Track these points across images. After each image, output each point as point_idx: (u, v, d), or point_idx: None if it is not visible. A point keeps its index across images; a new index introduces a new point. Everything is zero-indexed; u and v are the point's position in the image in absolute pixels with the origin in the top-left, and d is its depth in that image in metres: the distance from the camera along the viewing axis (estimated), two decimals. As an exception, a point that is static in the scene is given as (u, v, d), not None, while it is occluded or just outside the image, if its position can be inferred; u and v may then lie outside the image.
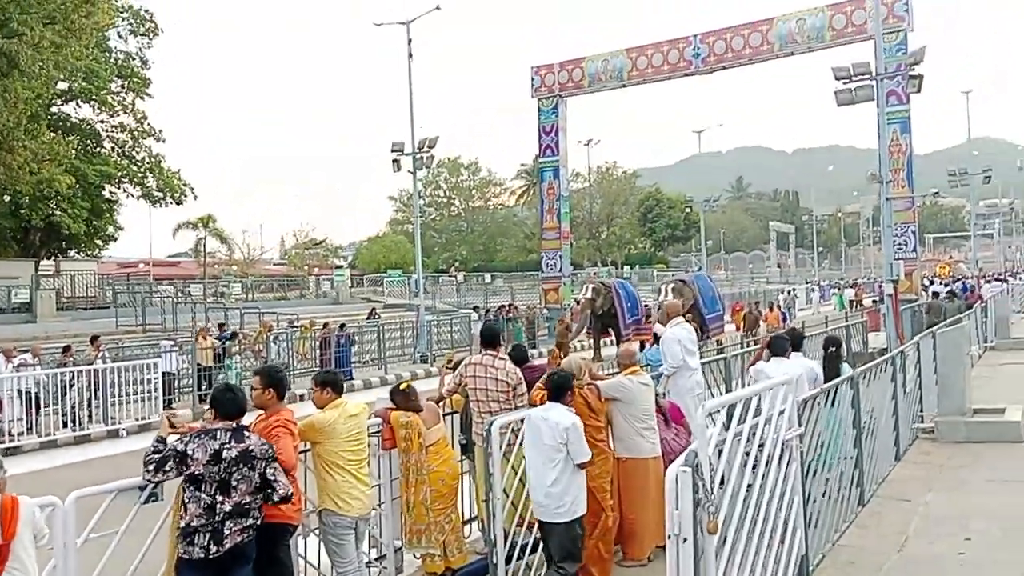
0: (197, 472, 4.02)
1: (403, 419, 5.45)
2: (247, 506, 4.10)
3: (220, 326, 20.29)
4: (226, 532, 4.01)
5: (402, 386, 5.61)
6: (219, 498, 4.02)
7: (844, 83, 18.55)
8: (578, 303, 21.88)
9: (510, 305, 30.44)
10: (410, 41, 24.86)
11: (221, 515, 4.02)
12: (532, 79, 30.80)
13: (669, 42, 28.58)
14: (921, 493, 6.89)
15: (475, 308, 30.28)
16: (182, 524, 4.03)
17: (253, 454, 4.12)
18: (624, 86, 29.85)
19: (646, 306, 21.46)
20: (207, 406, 4.87)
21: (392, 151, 25.26)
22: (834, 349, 7.88)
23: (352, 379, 19.80)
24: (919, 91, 21.06)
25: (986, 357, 16.26)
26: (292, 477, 4.47)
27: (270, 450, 4.21)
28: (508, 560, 5.20)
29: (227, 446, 4.07)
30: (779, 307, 32.53)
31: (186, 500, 4.04)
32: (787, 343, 7.12)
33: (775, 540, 4.42)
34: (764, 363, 6.99)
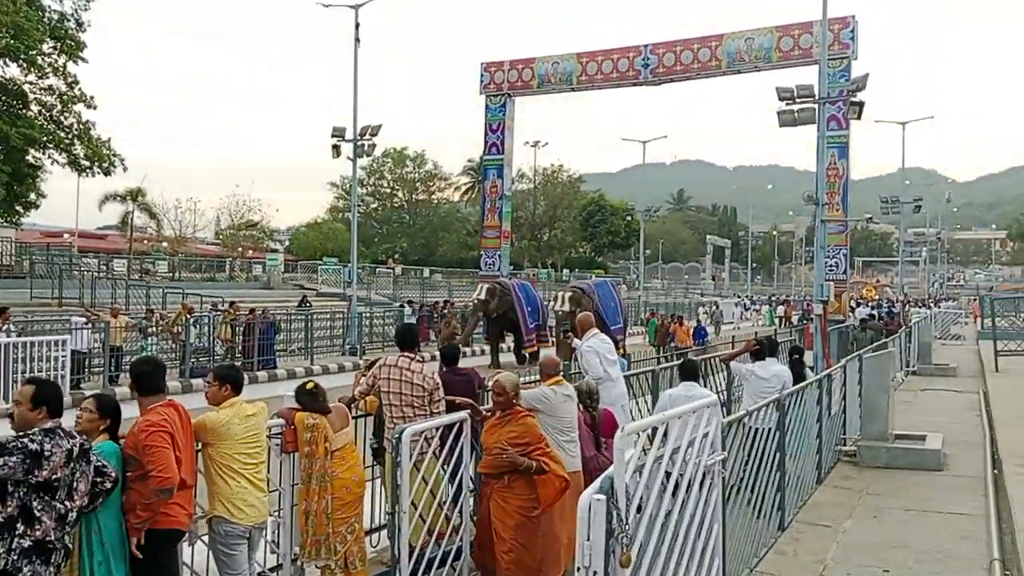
0: (53, 478, 3.47)
1: (309, 421, 5.07)
2: (84, 509, 3.67)
3: (149, 311, 19.38)
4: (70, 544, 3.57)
5: (308, 386, 5.23)
6: (68, 505, 3.54)
7: (787, 104, 18.72)
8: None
9: (446, 302, 30.08)
10: (358, 26, 24.25)
11: (70, 524, 3.57)
12: (481, 75, 30.55)
13: (620, 50, 28.67)
14: (841, 519, 6.82)
15: (409, 302, 29.83)
16: (26, 543, 3.42)
17: (87, 445, 3.70)
18: (573, 90, 29.85)
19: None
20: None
21: (332, 136, 24.62)
22: (798, 356, 9.20)
23: (275, 368, 19.20)
24: (859, 118, 21.38)
25: (908, 382, 16.57)
26: (185, 488, 4.10)
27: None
28: (414, 575, 4.89)
29: (74, 442, 3.59)
30: (699, 320, 32.39)
31: (36, 512, 3.45)
32: (775, 347, 8.54)
33: (691, 569, 4.21)
34: (752, 364, 8.10)
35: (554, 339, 20.23)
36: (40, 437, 3.51)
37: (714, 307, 43.01)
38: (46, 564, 3.47)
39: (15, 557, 3.40)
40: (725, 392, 11.68)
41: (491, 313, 20.13)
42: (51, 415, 3.67)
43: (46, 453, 3.45)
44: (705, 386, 10.86)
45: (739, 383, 11.49)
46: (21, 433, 3.55)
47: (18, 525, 3.42)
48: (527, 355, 21.37)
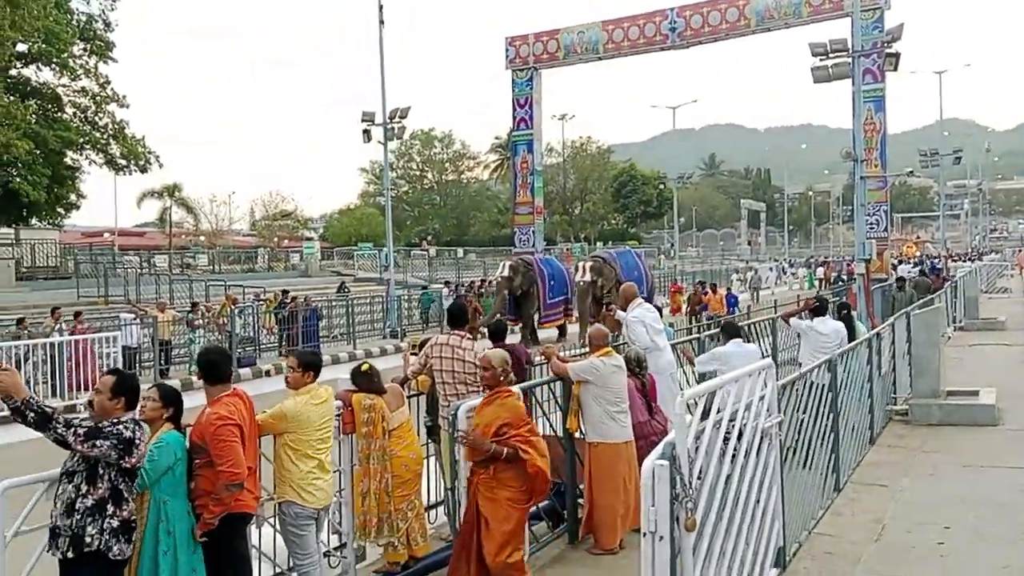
0: (137, 464, 3.72)
1: (366, 402, 5.17)
2: None
3: (194, 305, 19.70)
4: None
5: (364, 367, 5.32)
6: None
7: (821, 60, 18.39)
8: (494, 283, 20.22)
9: (483, 280, 30.13)
10: (381, 7, 24.21)
11: None
12: (507, 50, 30.35)
13: (646, 15, 28.25)
14: (897, 478, 6.77)
15: (446, 283, 29.95)
16: (115, 523, 3.65)
17: None
18: (600, 59, 29.54)
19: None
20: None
21: (363, 121, 24.70)
22: (847, 312, 9.91)
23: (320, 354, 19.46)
24: (895, 69, 20.92)
25: (956, 338, 16.31)
26: (250, 472, 4.21)
27: None
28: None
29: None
30: (730, 287, 31.81)
31: (125, 494, 3.71)
32: (827, 305, 9.33)
33: (753, 532, 4.23)
34: (812, 320, 8.70)
35: (577, 313, 19.32)
36: (132, 425, 3.74)
37: (752, 272, 42.26)
38: (129, 542, 3.72)
39: (107, 537, 3.62)
40: (771, 356, 11.57)
41: (516, 291, 19.31)
42: (128, 406, 3.86)
43: (136, 441, 3.70)
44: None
45: (794, 342, 11.78)
46: (115, 419, 3.73)
47: (108, 506, 3.64)
48: (556, 330, 20.56)
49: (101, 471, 3.64)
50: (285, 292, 21.36)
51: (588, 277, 18.68)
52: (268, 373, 17.11)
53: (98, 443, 3.59)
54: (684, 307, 25.14)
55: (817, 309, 8.95)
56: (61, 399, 13.80)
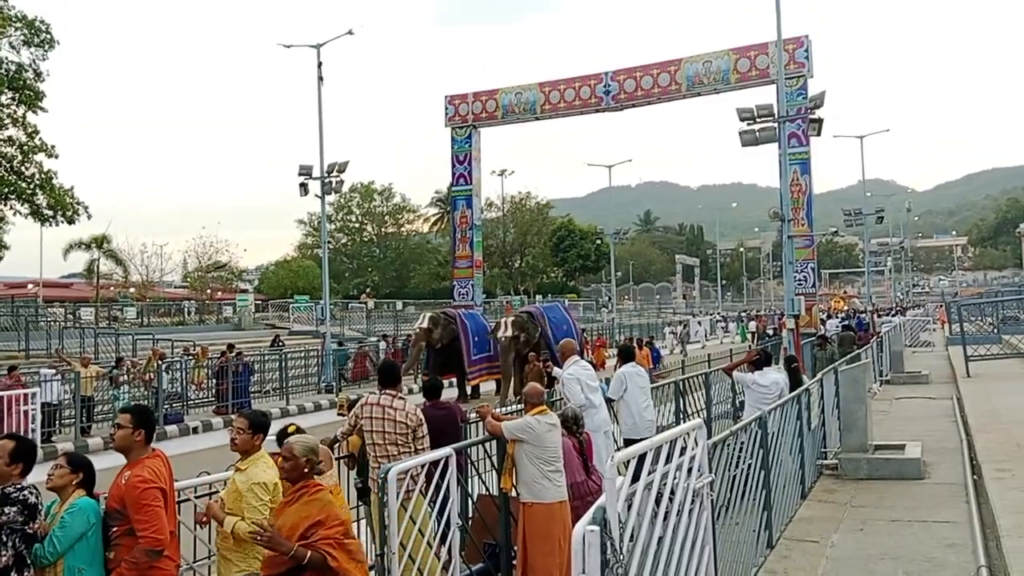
0: (40, 531, 3.64)
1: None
2: None
3: (119, 360, 18.95)
4: None
5: (290, 429, 5.16)
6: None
7: (748, 124, 19.10)
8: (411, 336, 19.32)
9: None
10: (320, 64, 24.35)
11: None
12: (446, 108, 30.74)
13: (581, 78, 29.03)
14: (828, 534, 6.84)
15: (384, 336, 29.64)
16: None
17: None
18: (537, 119, 30.13)
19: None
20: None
21: (300, 175, 24.57)
22: (795, 364, 10.88)
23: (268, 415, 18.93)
24: (819, 134, 21.85)
25: (882, 391, 16.75)
26: (171, 537, 4.03)
27: None
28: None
29: None
30: (651, 342, 31.84)
31: (28, 560, 3.65)
32: (770, 358, 9.68)
33: (686, 594, 4.20)
34: (751, 374, 9.03)
35: (501, 370, 18.41)
36: (36, 491, 3.72)
37: (681, 327, 42.69)
38: None
39: None
40: (705, 411, 11.72)
41: (435, 343, 18.56)
42: (24, 472, 3.80)
43: (40, 507, 3.68)
44: (686, 407, 10.99)
45: (727, 395, 12.18)
46: (19, 485, 3.69)
47: (12, 574, 3.59)
48: (469, 389, 19.90)
49: (5, 538, 3.54)
50: (231, 347, 20.74)
51: (510, 332, 17.96)
52: (195, 430, 16.57)
53: (5, 509, 3.53)
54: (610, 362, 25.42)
55: (757, 362, 9.25)
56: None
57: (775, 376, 9.18)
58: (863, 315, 37.75)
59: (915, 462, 8.90)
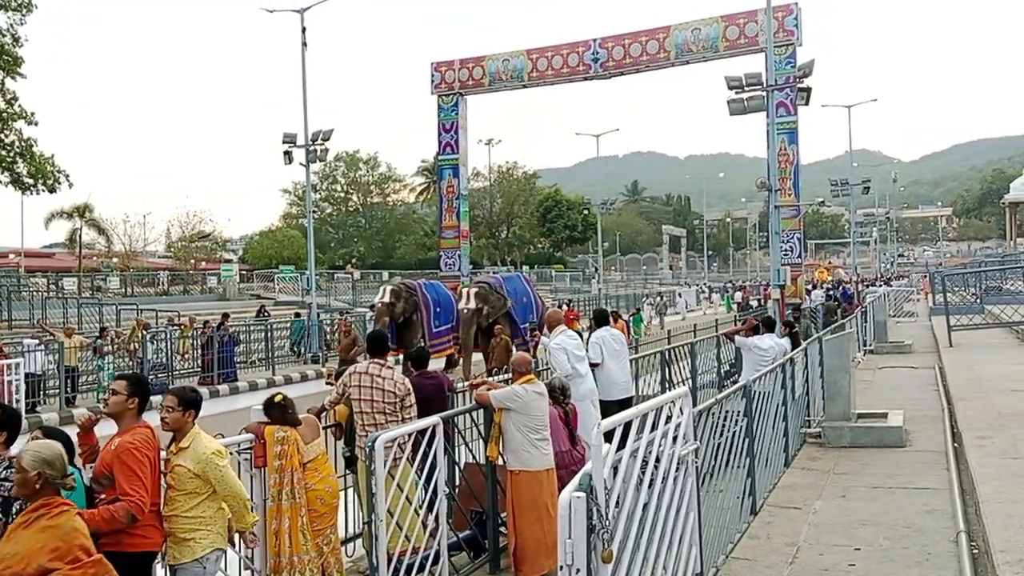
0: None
1: (279, 434, 5.00)
2: None
3: (102, 330, 18.78)
4: None
5: (277, 398, 5.15)
6: None
7: (736, 93, 19.01)
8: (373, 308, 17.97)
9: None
10: (304, 30, 24.01)
11: None
12: (432, 75, 30.39)
13: (569, 45, 28.74)
14: (810, 501, 6.93)
15: (372, 307, 29.55)
16: None
17: None
18: (524, 86, 29.83)
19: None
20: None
21: (284, 143, 24.33)
22: (795, 329, 12.23)
23: (236, 380, 18.93)
24: (807, 103, 21.81)
25: (866, 361, 16.91)
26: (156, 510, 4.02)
27: None
28: (392, 583, 4.85)
29: None
30: (647, 311, 31.85)
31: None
32: (771, 323, 10.78)
33: (671, 559, 4.25)
34: (753, 337, 9.85)
35: (461, 343, 17.39)
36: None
37: (659, 298, 42.44)
38: None
39: None
40: (691, 380, 11.81)
41: (397, 318, 17.53)
42: (8, 442, 3.77)
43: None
44: (671, 376, 11.06)
45: (712, 364, 13.55)
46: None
47: None
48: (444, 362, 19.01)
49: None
50: (226, 316, 20.61)
51: (472, 304, 16.99)
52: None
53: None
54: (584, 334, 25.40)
55: (755, 328, 10.22)
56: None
57: (774, 340, 10.05)
58: (848, 286, 38.02)
59: (897, 430, 9.01)
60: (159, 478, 4.15)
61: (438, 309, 17.96)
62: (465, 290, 17.61)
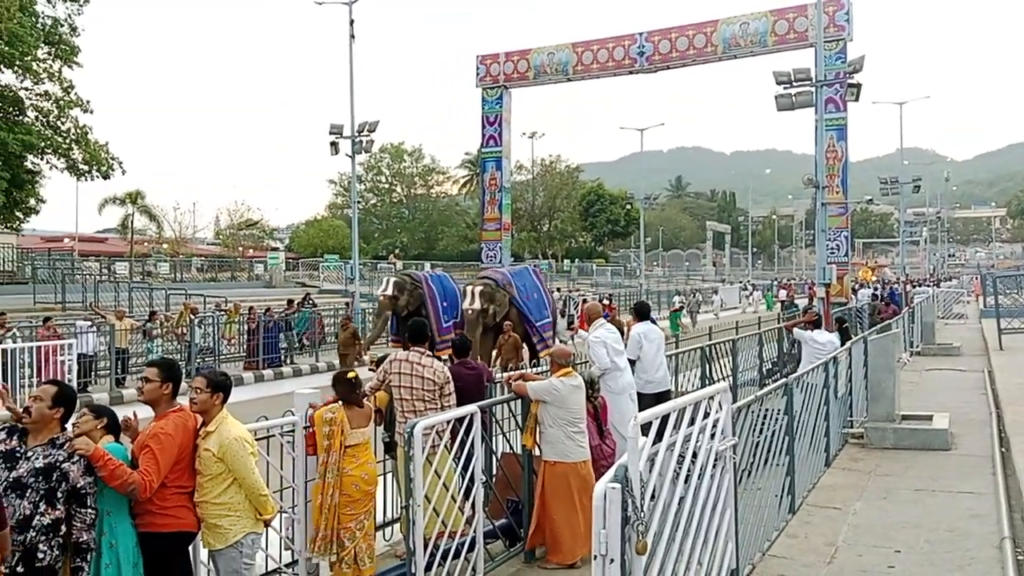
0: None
1: (327, 415, 5.12)
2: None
3: (152, 314, 19.20)
4: None
5: (350, 375, 5.26)
6: None
7: (785, 88, 18.73)
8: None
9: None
10: (352, 22, 24.24)
11: None
12: (477, 68, 30.48)
13: (615, 38, 28.58)
14: (850, 501, 6.85)
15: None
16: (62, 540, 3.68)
17: None
18: (569, 80, 29.77)
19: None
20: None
21: (330, 133, 24.62)
22: (846, 325, 13.59)
23: (281, 366, 19.27)
24: (857, 99, 21.37)
25: (912, 363, 16.59)
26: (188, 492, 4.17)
27: None
28: (428, 568, 4.92)
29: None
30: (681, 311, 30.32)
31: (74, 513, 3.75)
32: (820, 320, 11.30)
33: (706, 554, 4.25)
34: (811, 331, 10.23)
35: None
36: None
37: (692, 296, 41.08)
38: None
39: (56, 553, 3.67)
40: (731, 376, 11.72)
41: (401, 311, 16.64)
42: (64, 418, 3.88)
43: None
44: (711, 373, 10.99)
45: (753, 363, 13.72)
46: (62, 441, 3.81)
47: (62, 526, 3.70)
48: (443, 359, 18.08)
49: (59, 493, 3.66)
50: (292, 301, 20.95)
51: (478, 305, 15.84)
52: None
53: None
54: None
55: (816, 323, 10.78)
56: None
57: (829, 336, 10.40)
58: (895, 286, 37.20)
59: (942, 433, 8.84)
60: (193, 461, 4.18)
61: (444, 303, 17.16)
62: (470, 289, 16.36)
